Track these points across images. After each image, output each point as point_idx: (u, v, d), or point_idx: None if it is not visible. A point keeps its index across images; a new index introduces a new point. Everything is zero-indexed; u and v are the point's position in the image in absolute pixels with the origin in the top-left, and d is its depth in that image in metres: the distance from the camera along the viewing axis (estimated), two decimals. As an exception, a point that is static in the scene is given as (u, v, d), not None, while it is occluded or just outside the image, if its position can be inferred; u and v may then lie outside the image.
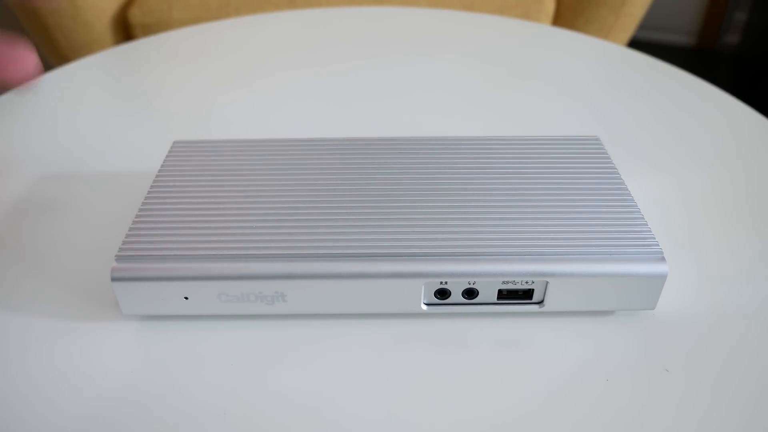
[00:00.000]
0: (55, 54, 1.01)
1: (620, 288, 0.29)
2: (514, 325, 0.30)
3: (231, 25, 0.64)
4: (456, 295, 0.29)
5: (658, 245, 0.29)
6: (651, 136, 0.46)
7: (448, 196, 0.32)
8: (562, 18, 1.03)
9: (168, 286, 0.28)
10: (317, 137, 0.36)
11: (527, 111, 0.49)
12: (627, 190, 0.32)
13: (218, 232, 0.29)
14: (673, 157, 0.43)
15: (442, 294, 0.29)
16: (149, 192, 0.32)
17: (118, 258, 0.28)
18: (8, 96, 0.24)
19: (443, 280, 0.29)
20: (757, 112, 0.48)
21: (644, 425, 0.26)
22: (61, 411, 0.26)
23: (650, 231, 0.30)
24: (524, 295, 0.29)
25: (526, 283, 0.29)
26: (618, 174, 0.33)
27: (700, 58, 1.85)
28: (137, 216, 0.31)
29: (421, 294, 0.29)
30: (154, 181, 0.33)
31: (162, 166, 0.34)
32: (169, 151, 0.35)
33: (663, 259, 0.28)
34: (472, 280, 0.29)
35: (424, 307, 0.30)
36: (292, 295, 0.29)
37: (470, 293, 0.29)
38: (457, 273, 0.28)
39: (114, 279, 0.28)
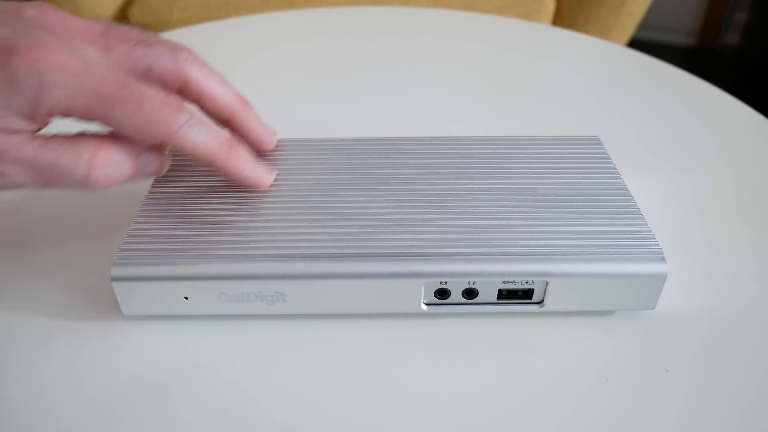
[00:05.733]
0: (55, 54, 1.01)
1: (620, 288, 0.29)
2: (514, 325, 0.30)
3: (231, 25, 0.64)
4: (456, 295, 0.29)
5: (657, 245, 0.29)
6: (651, 136, 0.46)
7: (448, 195, 0.32)
8: (562, 18, 1.03)
9: (168, 286, 0.28)
10: (316, 137, 0.36)
11: (527, 111, 0.49)
12: (627, 190, 0.32)
13: (218, 232, 0.29)
14: (673, 157, 0.43)
15: (442, 294, 0.29)
16: (149, 192, 0.32)
17: (118, 258, 0.28)
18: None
19: (443, 280, 0.29)
20: (757, 112, 0.48)
21: (644, 425, 0.26)
22: (61, 411, 0.26)
23: (650, 231, 0.30)
24: (524, 295, 0.29)
25: (526, 283, 0.29)
26: (618, 174, 0.33)
27: (700, 58, 1.85)
28: (137, 216, 0.31)
29: (421, 294, 0.29)
30: (154, 181, 0.33)
31: (162, 166, 0.34)
32: (169, 151, 0.35)
33: (663, 259, 0.28)
34: (472, 280, 0.29)
35: (424, 307, 0.30)
36: (292, 295, 0.29)
37: (470, 293, 0.29)
38: (457, 273, 0.28)
39: (114, 279, 0.28)
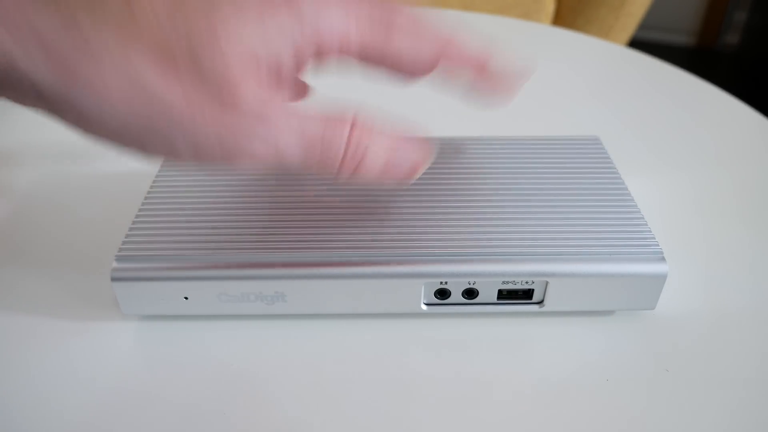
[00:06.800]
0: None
1: (620, 288, 0.29)
2: (514, 325, 0.30)
3: (231, 25, 0.64)
4: (456, 295, 0.29)
5: (658, 245, 0.29)
6: (651, 136, 0.46)
7: (447, 196, 0.32)
8: (562, 18, 1.03)
9: (168, 286, 0.28)
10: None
11: (527, 111, 0.49)
12: (627, 190, 0.32)
13: (218, 232, 0.29)
14: (673, 157, 0.43)
15: (442, 294, 0.29)
16: (149, 192, 0.32)
17: (118, 258, 0.28)
18: None
19: (443, 280, 0.29)
20: (757, 112, 0.48)
21: (644, 425, 0.26)
22: (60, 411, 0.26)
23: (650, 231, 0.30)
24: (524, 295, 0.29)
25: (526, 283, 0.29)
26: (618, 174, 0.33)
27: (700, 58, 1.85)
28: (137, 216, 0.31)
29: (421, 294, 0.29)
30: (154, 181, 0.33)
31: (162, 165, 0.34)
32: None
33: (663, 259, 0.28)
34: (472, 280, 0.29)
35: (424, 307, 0.30)
36: (292, 295, 0.29)
37: (470, 293, 0.29)
38: (457, 273, 0.28)
39: (114, 279, 0.28)
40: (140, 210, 0.31)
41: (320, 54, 0.24)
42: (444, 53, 0.26)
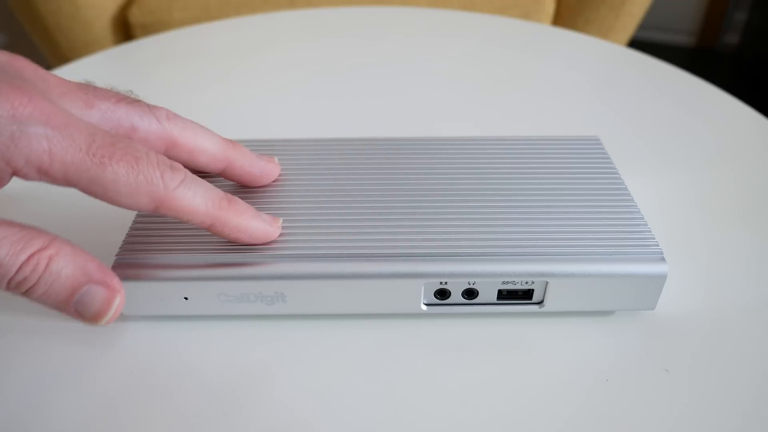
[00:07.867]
0: (55, 54, 1.01)
1: (620, 288, 0.29)
2: (514, 325, 0.30)
3: (231, 25, 0.64)
4: (456, 296, 0.29)
5: (657, 245, 0.29)
6: (651, 136, 0.46)
7: (447, 196, 0.32)
8: (562, 18, 1.03)
9: (168, 286, 0.28)
10: (316, 137, 0.36)
11: (527, 111, 0.49)
12: (627, 190, 0.32)
13: (218, 232, 0.29)
14: (673, 158, 0.43)
15: (442, 294, 0.29)
16: (149, 192, 0.32)
17: (118, 258, 0.28)
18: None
19: (443, 281, 0.29)
20: (757, 112, 0.48)
21: (644, 426, 0.26)
22: (60, 411, 0.26)
23: (650, 231, 0.30)
24: (524, 296, 0.29)
25: (526, 283, 0.29)
26: (618, 174, 0.33)
27: (700, 58, 1.85)
28: (137, 216, 0.31)
29: (420, 294, 0.29)
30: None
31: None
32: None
33: (663, 259, 0.28)
34: (472, 280, 0.29)
35: (424, 308, 0.30)
36: (292, 295, 0.29)
37: (470, 293, 0.29)
38: (457, 273, 0.28)
39: (114, 279, 0.28)
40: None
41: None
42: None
